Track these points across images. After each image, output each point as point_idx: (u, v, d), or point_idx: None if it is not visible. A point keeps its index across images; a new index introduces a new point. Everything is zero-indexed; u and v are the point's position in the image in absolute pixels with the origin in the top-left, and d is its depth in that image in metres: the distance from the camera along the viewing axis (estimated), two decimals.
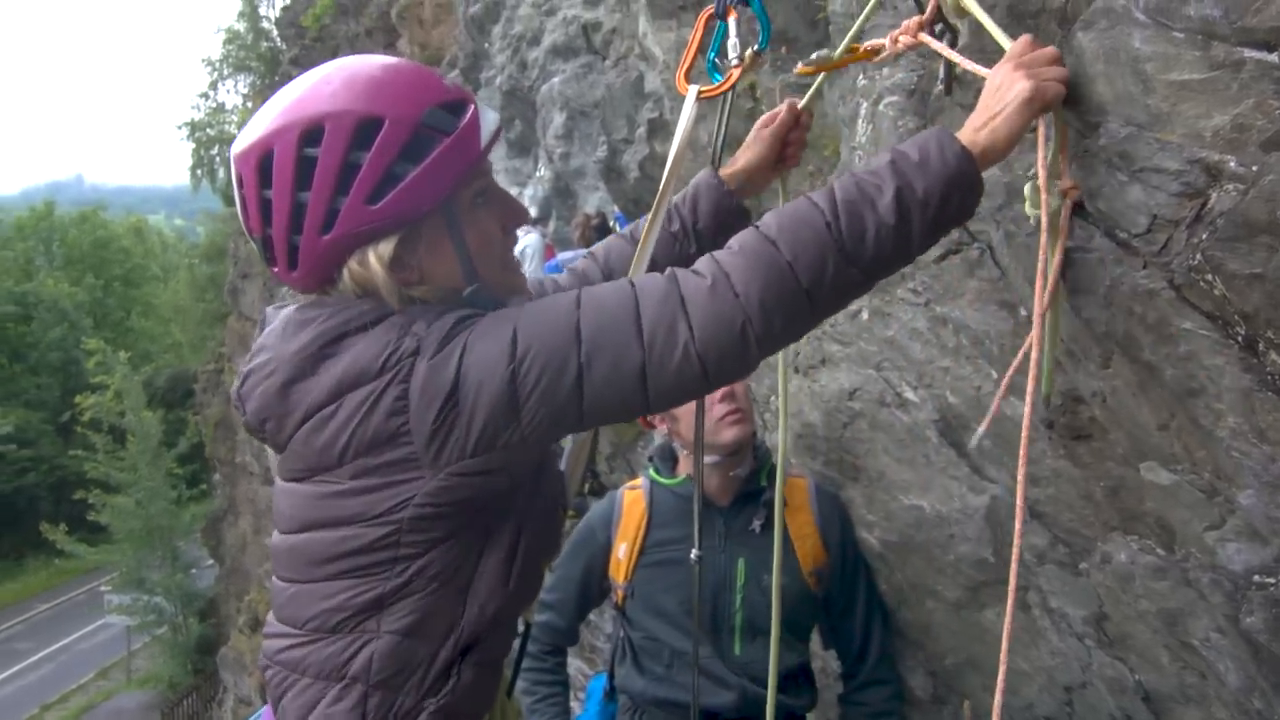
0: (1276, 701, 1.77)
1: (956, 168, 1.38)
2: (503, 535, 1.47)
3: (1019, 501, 1.56)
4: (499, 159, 13.03)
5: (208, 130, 26.91)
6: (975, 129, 1.44)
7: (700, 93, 1.92)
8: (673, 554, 2.90)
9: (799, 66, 1.97)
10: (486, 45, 12.07)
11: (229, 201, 26.19)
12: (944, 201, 1.38)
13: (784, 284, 1.30)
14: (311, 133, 1.38)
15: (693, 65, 1.99)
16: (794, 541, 2.94)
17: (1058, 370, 2.24)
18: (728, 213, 1.91)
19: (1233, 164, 1.46)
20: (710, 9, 1.99)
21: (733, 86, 1.94)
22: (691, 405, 2.95)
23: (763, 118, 2.01)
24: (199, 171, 26.96)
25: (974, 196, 1.43)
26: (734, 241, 1.39)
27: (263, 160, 1.42)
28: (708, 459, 2.79)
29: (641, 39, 5.83)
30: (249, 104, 25.02)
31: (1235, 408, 1.56)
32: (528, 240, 8.55)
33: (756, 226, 1.39)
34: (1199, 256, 1.50)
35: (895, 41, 1.93)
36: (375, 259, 1.41)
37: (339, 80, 1.44)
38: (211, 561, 25.19)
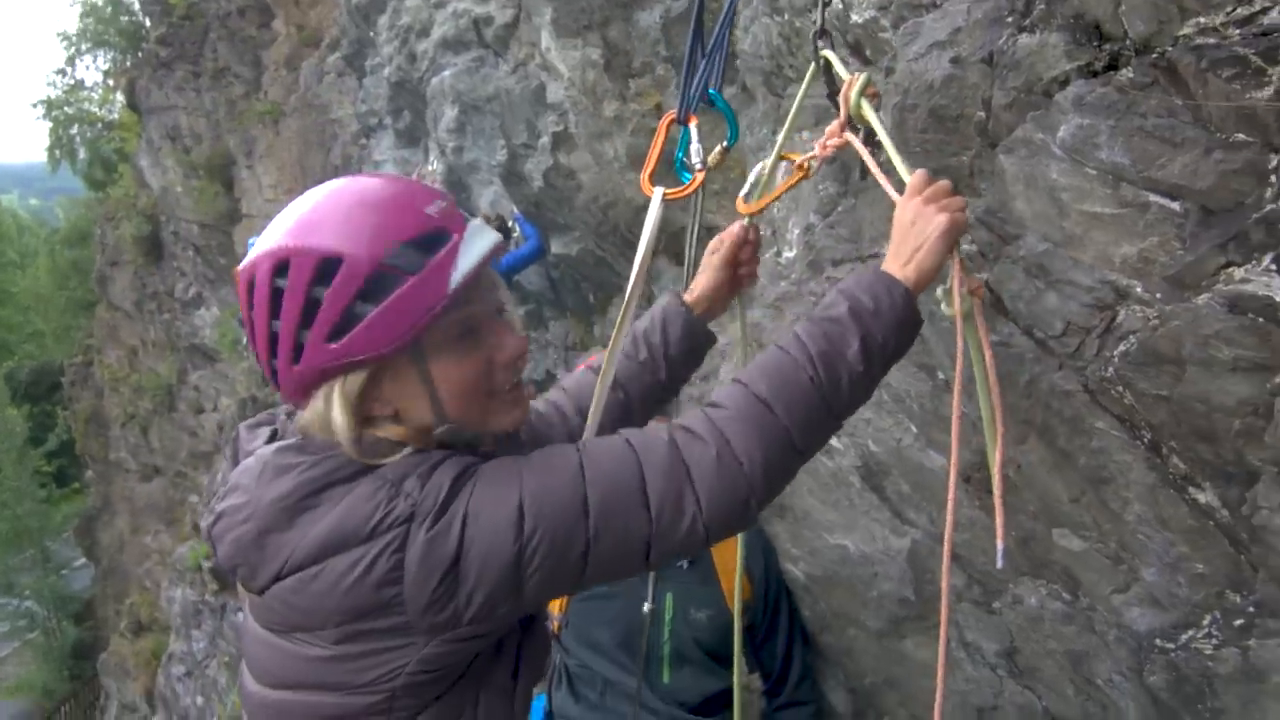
0: None
1: (904, 310, 1.49)
2: (499, 674, 1.49)
3: (946, 550, 1.63)
4: (387, 149, 12.79)
5: (65, 109, 25.32)
6: (903, 264, 1.51)
7: (666, 194, 1.99)
8: (605, 589, 3.02)
9: (740, 204, 2.05)
10: (372, 34, 11.78)
11: (94, 185, 24.97)
12: (898, 343, 1.50)
13: (784, 450, 1.38)
14: (280, 265, 1.35)
15: (655, 168, 2.06)
16: (720, 576, 3.10)
17: (972, 430, 2.43)
18: (696, 336, 1.92)
19: (1139, 289, 1.65)
20: (672, 114, 2.06)
21: (698, 188, 2.02)
22: None
23: (712, 242, 2.03)
24: (57, 151, 25.38)
25: (916, 331, 1.55)
26: (726, 400, 1.42)
27: (248, 282, 1.40)
28: None
29: (545, 52, 5.84)
30: (110, 81, 23.68)
31: (1142, 498, 1.76)
32: None
33: (746, 385, 1.42)
34: (1112, 370, 1.69)
35: (825, 148, 2.03)
36: (340, 395, 1.38)
37: (310, 209, 1.40)
38: (85, 561, 24.11)
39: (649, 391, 1.89)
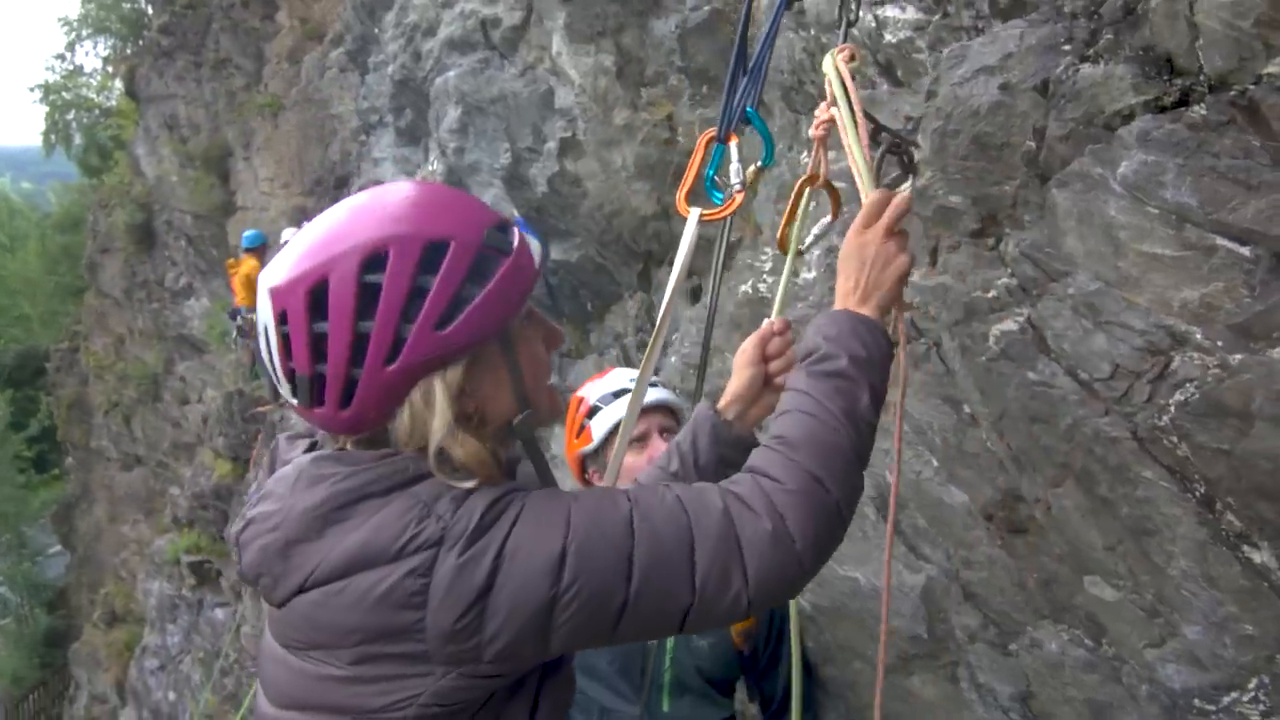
0: None
1: (887, 350, 1.48)
2: (516, 712, 1.41)
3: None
4: (387, 147, 12.70)
5: (63, 93, 25.07)
6: (863, 300, 1.51)
7: (703, 215, 1.91)
8: None
9: (779, 241, 1.96)
10: (377, 30, 11.68)
11: (88, 171, 24.71)
12: (885, 382, 1.48)
13: (834, 522, 1.34)
14: (374, 259, 1.30)
15: (691, 186, 1.98)
16: None
17: (999, 470, 2.36)
18: (727, 444, 1.80)
19: (1199, 335, 1.57)
20: (711, 132, 1.98)
21: (735, 211, 1.94)
22: (629, 462, 2.99)
23: (743, 346, 1.90)
24: (52, 136, 25.14)
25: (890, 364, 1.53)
26: (776, 471, 1.37)
27: (314, 291, 1.31)
28: None
29: (555, 57, 5.77)
30: (109, 68, 23.46)
31: (1189, 554, 1.68)
32: None
33: (791, 456, 1.38)
34: (1167, 420, 1.61)
35: (816, 128, 1.93)
36: (442, 388, 1.33)
37: (393, 205, 1.35)
38: (60, 549, 23.85)
39: None
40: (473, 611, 1.25)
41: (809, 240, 2.12)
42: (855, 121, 1.79)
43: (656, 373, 5.55)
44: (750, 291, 3.62)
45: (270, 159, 15.01)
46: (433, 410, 1.34)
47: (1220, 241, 1.49)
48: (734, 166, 2.00)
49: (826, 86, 1.90)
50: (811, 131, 2.02)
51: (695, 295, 5.97)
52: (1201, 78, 1.45)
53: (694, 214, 1.98)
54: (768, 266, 3.52)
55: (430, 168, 10.44)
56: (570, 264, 7.33)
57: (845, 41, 2.09)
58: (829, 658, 3.17)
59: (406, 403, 1.34)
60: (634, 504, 1.31)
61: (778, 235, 2.15)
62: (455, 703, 1.32)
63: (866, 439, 1.42)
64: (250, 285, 11.45)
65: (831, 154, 2.92)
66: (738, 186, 2.00)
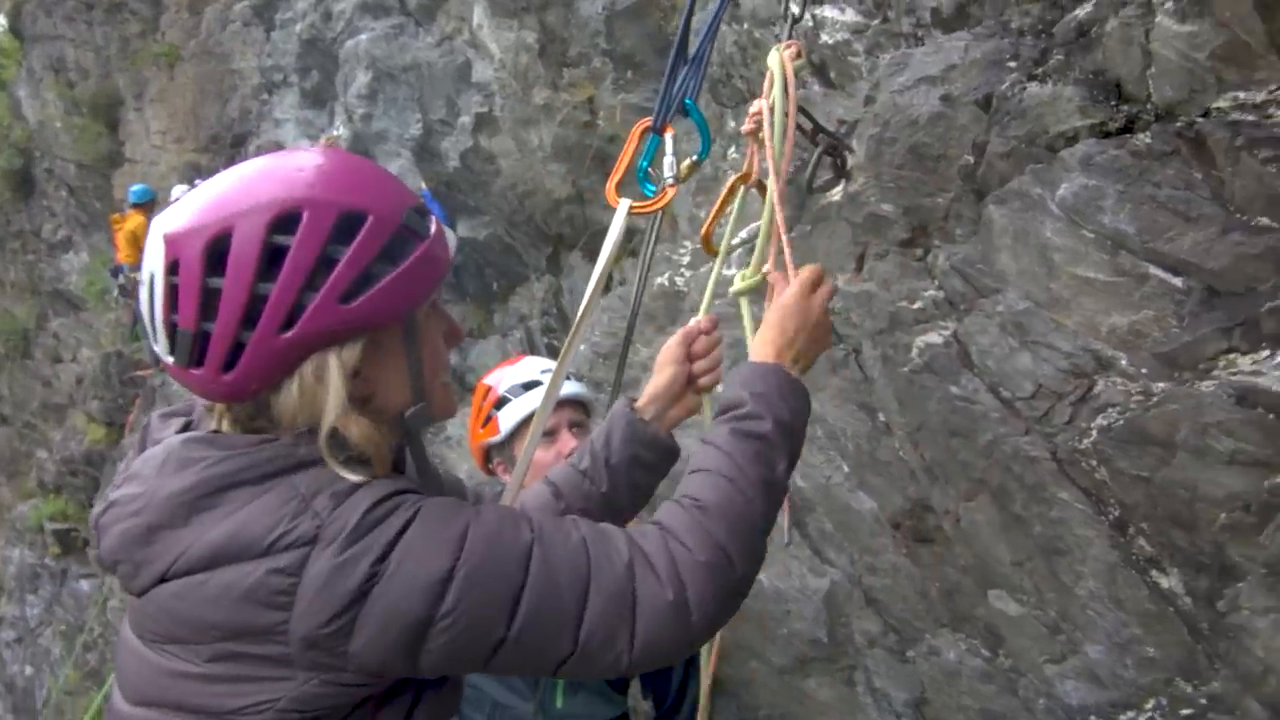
0: None
1: (807, 416, 1.48)
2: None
3: None
4: (290, 108, 12.24)
5: None
6: (792, 362, 1.51)
7: (633, 207, 1.84)
8: None
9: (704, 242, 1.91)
10: None
11: None
12: (801, 447, 1.47)
13: (735, 595, 1.31)
14: (285, 219, 1.22)
15: (623, 176, 1.90)
16: None
17: (910, 479, 2.37)
18: (641, 444, 1.71)
19: (1124, 361, 1.59)
20: (647, 122, 1.91)
21: (667, 204, 1.87)
22: (538, 457, 2.91)
23: (669, 342, 1.82)
24: None
25: None
26: (688, 538, 1.31)
27: (214, 243, 1.22)
28: None
29: (476, 29, 5.61)
30: None
31: (1098, 575, 1.70)
32: None
33: (706, 525, 1.32)
34: (1088, 443, 1.62)
35: (750, 118, 1.89)
36: (336, 364, 1.26)
37: (312, 169, 1.27)
38: None
39: (589, 503, 1.69)
40: (342, 619, 1.18)
41: (738, 240, 2.08)
42: (785, 122, 1.76)
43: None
44: (666, 284, 3.58)
45: (164, 111, 14.33)
46: (325, 387, 1.27)
47: (1154, 271, 1.50)
48: (668, 159, 1.93)
49: (765, 82, 1.86)
50: (744, 127, 1.97)
51: (604, 281, 5.91)
52: (1149, 106, 1.45)
53: (623, 205, 1.91)
54: (685, 260, 3.48)
55: (335, 132, 10.10)
56: (478, 242, 7.18)
57: (791, 38, 2.05)
58: (725, 657, 3.15)
59: (296, 375, 1.27)
60: (536, 536, 1.25)
61: (702, 232, 2.11)
62: (317, 709, 1.25)
63: (776, 507, 1.40)
64: (135, 242, 10.89)
65: (733, 152, 2.89)
66: (671, 180, 1.94)
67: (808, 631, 2.73)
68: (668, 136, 1.93)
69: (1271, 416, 1.32)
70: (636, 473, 1.72)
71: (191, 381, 1.28)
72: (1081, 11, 1.55)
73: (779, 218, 1.72)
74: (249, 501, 1.23)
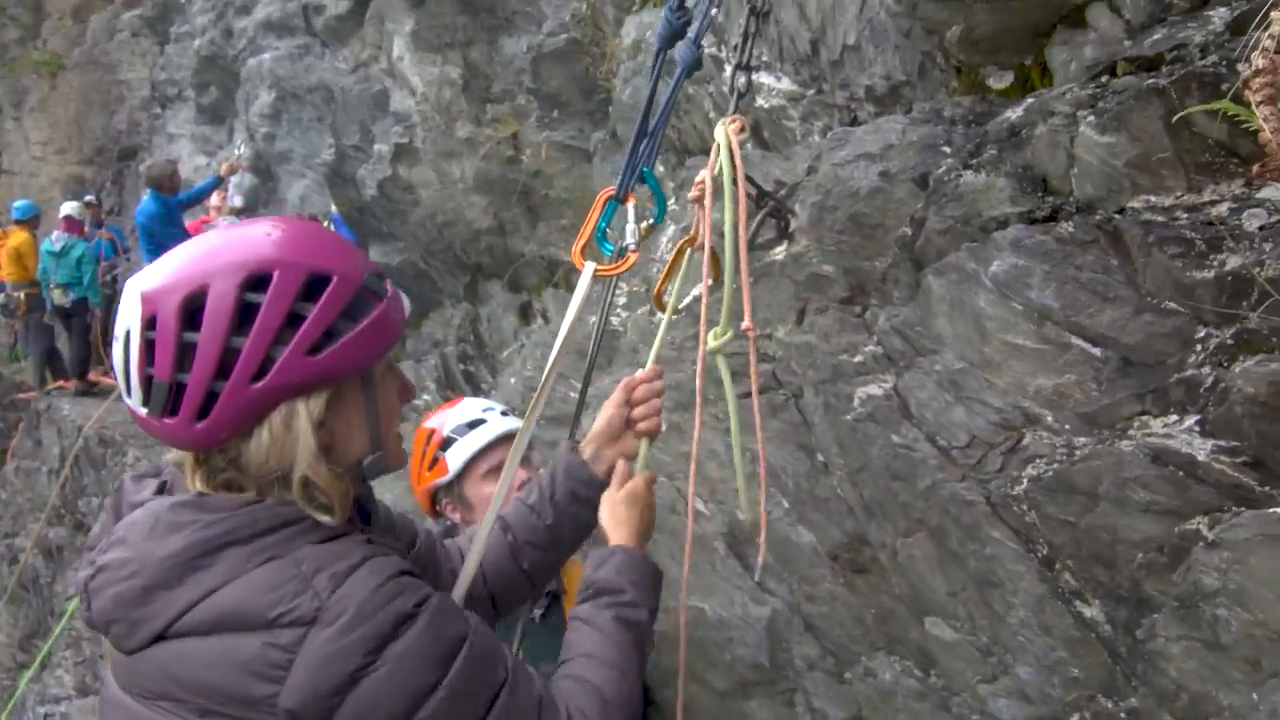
0: None
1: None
2: None
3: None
4: (185, 123, 11.94)
5: None
6: (641, 545, 1.78)
7: (597, 270, 1.98)
8: None
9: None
10: (183, 0, 10.98)
11: None
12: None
13: None
14: (257, 279, 1.33)
15: (588, 241, 2.04)
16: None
17: (848, 515, 2.56)
18: (579, 481, 1.88)
19: (1049, 418, 1.80)
20: (610, 190, 2.05)
21: (630, 268, 2.02)
22: (487, 493, 3.01)
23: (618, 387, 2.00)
24: None
25: None
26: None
27: (190, 300, 1.32)
28: None
29: (396, 61, 5.65)
30: None
31: (1028, 605, 1.91)
32: None
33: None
34: (1019, 490, 1.83)
35: (696, 187, 2.06)
36: (305, 413, 1.37)
37: (281, 234, 1.39)
38: None
39: (535, 535, 1.87)
40: (330, 700, 1.27)
41: (686, 300, 2.24)
42: (735, 191, 1.93)
43: (488, 393, 5.55)
44: (587, 322, 3.71)
45: (44, 122, 13.77)
46: (294, 435, 1.37)
47: (1075, 341, 1.72)
48: (630, 227, 2.08)
49: (711, 154, 2.02)
50: (690, 195, 2.13)
51: (523, 312, 6.01)
52: (1072, 199, 1.67)
53: (589, 268, 2.06)
54: (622, 301, 3.62)
55: (237, 151, 9.93)
56: (390, 268, 7.19)
57: (736, 112, 2.22)
58: (666, 681, 3.29)
59: (266, 423, 1.37)
60: (509, 681, 1.39)
61: (654, 291, 2.26)
62: None
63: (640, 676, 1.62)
64: (19, 259, 10.44)
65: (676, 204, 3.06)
66: (633, 246, 2.09)
67: (750, 657, 2.89)
68: (630, 205, 2.09)
69: (1181, 473, 1.54)
70: (575, 507, 1.88)
71: (165, 431, 1.38)
72: (1013, 114, 1.76)
73: (744, 277, 1.89)
74: (241, 563, 1.33)
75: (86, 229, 10.51)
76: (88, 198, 11.03)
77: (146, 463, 8.59)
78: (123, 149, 13.25)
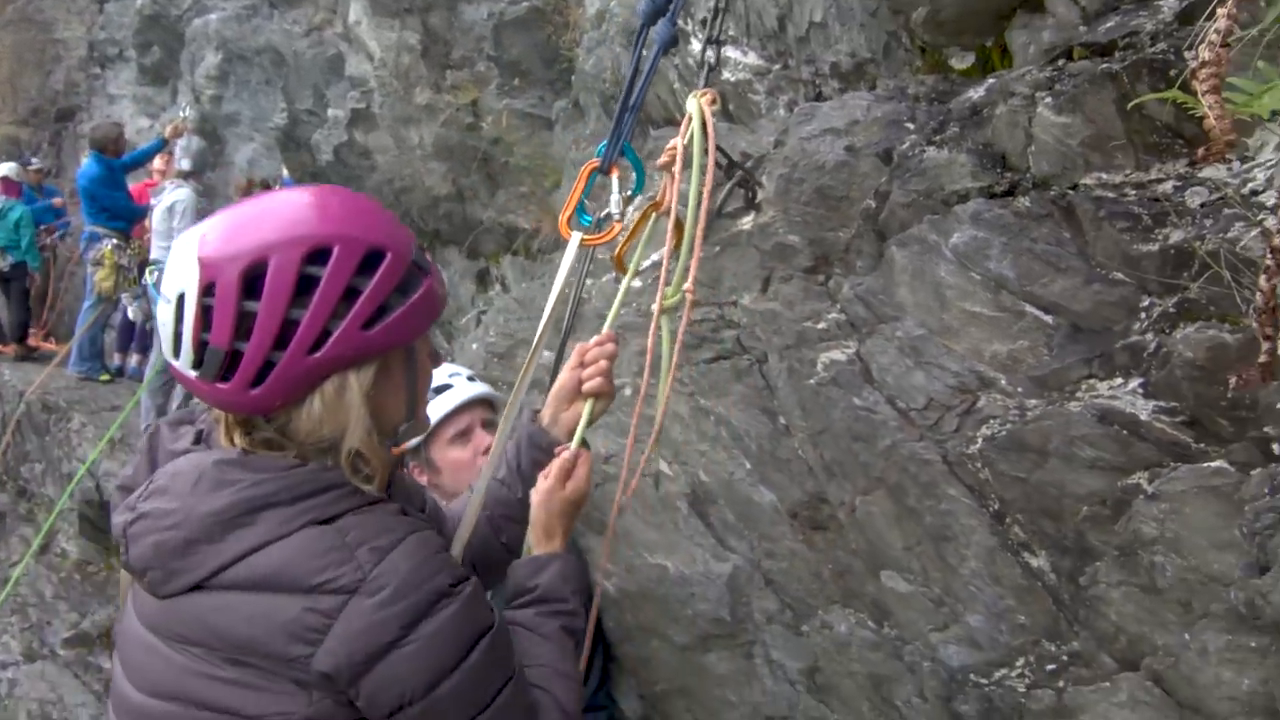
0: None
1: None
2: None
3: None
4: (127, 84, 11.64)
5: None
6: (565, 539, 1.82)
7: (584, 240, 2.05)
8: None
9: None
10: None
11: None
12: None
13: None
14: (318, 252, 1.36)
15: (573, 212, 2.10)
16: None
17: (808, 475, 2.68)
18: (539, 450, 1.93)
19: (1003, 381, 1.92)
20: (595, 163, 2.12)
21: (614, 237, 2.09)
22: (454, 457, 3.08)
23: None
24: None
25: None
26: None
27: (251, 270, 1.34)
28: None
29: (352, 25, 5.60)
30: None
31: (979, 557, 2.04)
32: (178, 195, 7.85)
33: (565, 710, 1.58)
34: (974, 449, 1.95)
35: (667, 154, 2.11)
36: (356, 384, 1.42)
37: (338, 207, 1.43)
38: None
39: (509, 508, 1.93)
40: (359, 667, 1.34)
41: (646, 265, 2.31)
42: (705, 161, 2.00)
43: (452, 359, 5.58)
44: (567, 291, 3.77)
45: None
46: (345, 405, 1.42)
47: (1029, 309, 1.83)
48: (614, 198, 2.15)
49: (683, 124, 2.09)
50: (660, 160, 2.21)
51: (480, 279, 6.04)
52: (1029, 176, 1.78)
53: (575, 238, 2.12)
54: (588, 269, 3.68)
55: (182, 113, 9.73)
56: None
57: (707, 85, 2.29)
58: (627, 637, 3.41)
59: (318, 393, 1.42)
60: (517, 674, 1.49)
61: (615, 254, 2.34)
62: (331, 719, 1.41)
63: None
64: None
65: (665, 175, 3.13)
66: (617, 216, 2.16)
67: (711, 611, 3.01)
68: (614, 177, 2.15)
69: (1124, 432, 1.66)
70: (534, 473, 1.91)
71: (215, 395, 1.42)
72: (975, 94, 1.86)
73: (698, 244, 1.97)
74: (283, 524, 1.38)
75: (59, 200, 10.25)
76: (29, 158, 10.72)
77: (92, 429, 8.46)
78: (60, 110, 12.88)
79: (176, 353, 1.42)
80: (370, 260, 1.39)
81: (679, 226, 2.18)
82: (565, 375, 1.97)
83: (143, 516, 1.45)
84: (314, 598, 1.33)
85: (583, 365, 1.96)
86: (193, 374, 1.41)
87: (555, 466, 1.77)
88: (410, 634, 1.35)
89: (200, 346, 1.39)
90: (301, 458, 1.45)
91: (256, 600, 1.35)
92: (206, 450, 1.51)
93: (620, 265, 2.26)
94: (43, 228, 10.10)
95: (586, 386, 1.93)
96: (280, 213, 1.41)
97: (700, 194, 1.99)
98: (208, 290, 1.37)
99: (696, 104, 2.09)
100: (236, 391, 1.39)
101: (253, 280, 1.35)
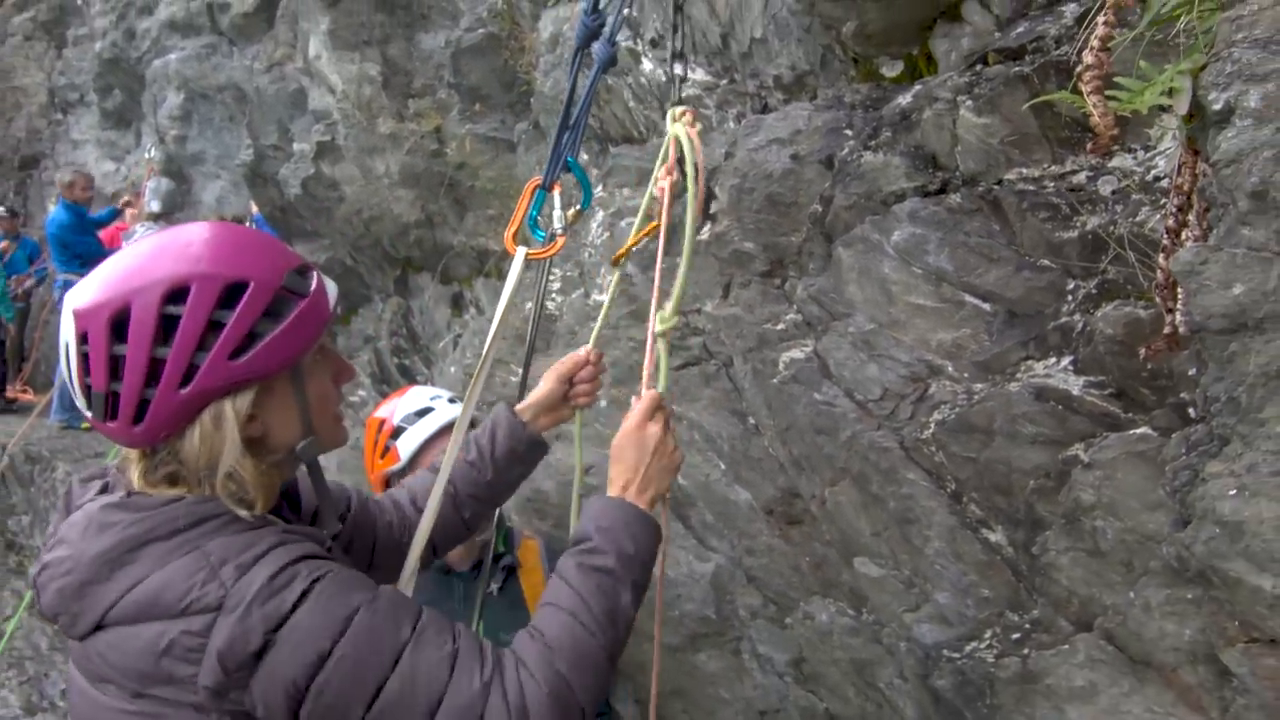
0: None
1: (655, 546, 1.64)
2: None
3: None
4: (89, 129, 11.65)
5: None
6: (640, 491, 1.66)
7: (529, 254, 2.13)
8: None
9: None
10: (80, 1, 10.71)
11: None
12: (649, 575, 1.64)
13: (571, 714, 1.45)
14: (176, 292, 1.42)
15: (519, 228, 2.18)
16: (527, 600, 3.26)
17: (779, 472, 2.78)
18: (519, 440, 2.04)
19: (950, 368, 2.03)
20: (538, 180, 2.20)
21: (559, 251, 2.17)
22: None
23: (557, 364, 2.14)
24: None
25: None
26: (536, 670, 1.47)
27: (117, 316, 1.43)
28: None
29: (313, 59, 5.68)
30: None
31: (941, 536, 2.14)
32: None
33: (551, 658, 1.47)
34: (928, 434, 2.06)
35: (659, 190, 2.19)
36: (231, 412, 1.47)
37: (198, 244, 1.48)
38: None
39: (476, 488, 2.03)
40: (239, 675, 1.38)
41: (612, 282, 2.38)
42: (697, 184, 2.07)
43: (426, 384, 5.66)
44: (518, 302, 3.87)
45: None
46: (222, 432, 1.48)
47: (968, 298, 1.94)
48: (556, 213, 2.24)
49: (670, 147, 2.15)
50: (656, 190, 2.26)
51: (455, 302, 6.11)
52: (958, 174, 1.89)
53: (520, 252, 2.21)
54: (556, 286, 3.78)
55: (148, 154, 9.77)
56: (318, 266, 7.20)
57: (675, 100, 2.38)
58: None
59: (197, 422, 1.47)
60: (416, 636, 1.44)
61: (615, 257, 2.39)
62: None
63: (624, 635, 1.56)
64: None
65: (625, 190, 3.22)
66: (560, 230, 2.25)
67: (697, 611, 3.11)
68: (555, 193, 2.24)
69: (1060, 407, 1.77)
70: (513, 464, 2.06)
71: (109, 432, 1.50)
72: (904, 100, 1.97)
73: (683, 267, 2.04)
74: (162, 557, 1.44)
75: (5, 243, 10.22)
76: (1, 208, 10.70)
77: (76, 478, 8.46)
78: (23, 157, 12.86)
79: (75, 396, 1.51)
80: (231, 293, 1.44)
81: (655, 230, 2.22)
82: (553, 386, 2.09)
83: (46, 566, 1.53)
84: (186, 620, 1.40)
85: (572, 383, 2.09)
86: (88, 414, 1.50)
87: (641, 405, 1.71)
88: (273, 638, 1.39)
89: (86, 390, 1.48)
90: (190, 490, 1.52)
91: (141, 631, 1.42)
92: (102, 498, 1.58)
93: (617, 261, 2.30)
94: (13, 278, 10.10)
95: (581, 400, 2.10)
96: (144, 258, 1.47)
97: (695, 223, 2.03)
98: (83, 339, 1.45)
99: (683, 130, 2.09)
100: (123, 428, 1.47)
101: (119, 325, 1.43)
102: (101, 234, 8.97)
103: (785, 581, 2.89)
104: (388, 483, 3.08)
